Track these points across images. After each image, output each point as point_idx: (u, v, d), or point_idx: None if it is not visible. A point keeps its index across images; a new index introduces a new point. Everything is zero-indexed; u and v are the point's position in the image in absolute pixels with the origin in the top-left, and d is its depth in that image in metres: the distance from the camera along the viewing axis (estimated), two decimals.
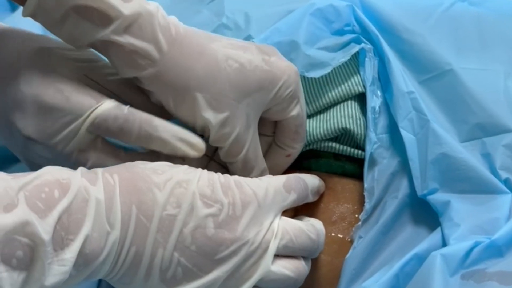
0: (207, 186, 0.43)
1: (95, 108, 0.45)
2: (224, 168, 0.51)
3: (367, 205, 0.51)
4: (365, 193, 0.51)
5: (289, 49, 0.54)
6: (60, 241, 0.36)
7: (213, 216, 0.42)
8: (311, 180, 0.50)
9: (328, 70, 0.52)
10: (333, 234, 0.52)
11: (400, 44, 0.55)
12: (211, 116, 0.47)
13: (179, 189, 0.42)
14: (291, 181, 0.47)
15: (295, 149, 0.53)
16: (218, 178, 0.44)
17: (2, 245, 0.33)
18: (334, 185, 0.54)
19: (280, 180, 0.47)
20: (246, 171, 0.50)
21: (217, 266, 0.42)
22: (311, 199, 0.50)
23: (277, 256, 0.45)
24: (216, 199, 0.42)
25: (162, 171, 0.43)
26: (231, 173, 0.48)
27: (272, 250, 0.44)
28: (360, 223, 0.51)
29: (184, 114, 0.47)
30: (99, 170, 0.42)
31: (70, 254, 0.37)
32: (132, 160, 0.45)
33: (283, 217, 0.46)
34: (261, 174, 0.51)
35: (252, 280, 0.43)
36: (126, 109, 0.46)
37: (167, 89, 0.46)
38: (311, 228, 0.47)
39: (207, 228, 0.42)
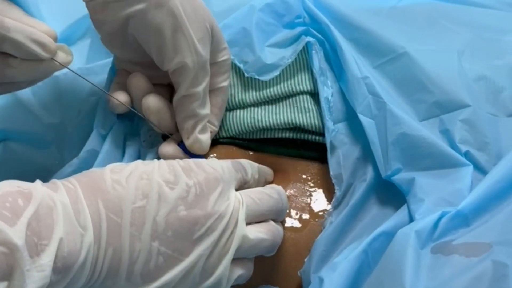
0: (169, 172, 0.43)
1: None
2: None
3: (338, 192, 0.51)
4: (334, 181, 0.52)
5: (243, 48, 0.55)
6: (34, 248, 0.36)
7: (182, 199, 0.42)
8: (248, 165, 0.50)
9: (277, 72, 0.55)
10: (288, 211, 0.52)
11: (353, 32, 0.55)
12: (191, 33, 0.48)
13: (141, 181, 0.42)
14: (235, 163, 0.48)
15: (215, 127, 0.54)
16: (177, 163, 0.44)
17: None
18: (285, 167, 0.54)
19: (227, 161, 0.47)
20: (204, 104, 0.51)
21: (197, 246, 0.42)
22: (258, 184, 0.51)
23: (249, 224, 0.45)
24: (181, 182, 0.42)
25: (119, 169, 0.43)
26: (184, 113, 0.50)
27: (242, 216, 0.44)
28: (331, 209, 0.51)
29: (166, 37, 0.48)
30: (57, 180, 0.41)
31: (47, 258, 0.36)
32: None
33: (241, 190, 0.47)
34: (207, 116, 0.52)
35: (231, 251, 0.43)
36: None
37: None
38: (270, 189, 0.48)
39: (179, 211, 0.42)
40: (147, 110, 0.51)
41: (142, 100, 0.51)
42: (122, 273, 0.41)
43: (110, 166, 0.43)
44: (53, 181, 0.41)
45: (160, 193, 0.41)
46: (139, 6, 0.47)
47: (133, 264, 0.41)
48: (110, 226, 0.40)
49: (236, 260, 0.44)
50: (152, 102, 0.51)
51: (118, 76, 0.55)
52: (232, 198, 0.44)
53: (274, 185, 0.49)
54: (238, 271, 0.45)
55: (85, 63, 0.62)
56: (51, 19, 0.63)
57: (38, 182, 0.40)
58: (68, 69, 0.49)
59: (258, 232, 0.45)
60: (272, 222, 0.47)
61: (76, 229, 0.38)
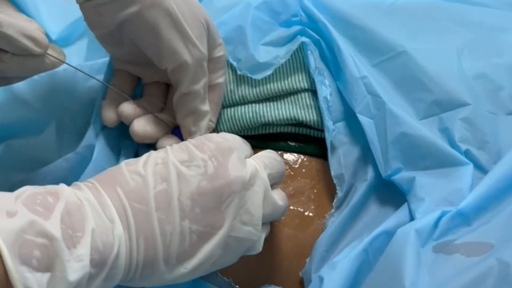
0: (182, 152, 0.43)
1: None
2: None
3: (339, 193, 0.51)
4: (335, 181, 0.51)
5: (237, 46, 0.55)
6: (70, 240, 0.36)
7: (202, 174, 0.42)
8: None
9: (270, 71, 0.54)
10: (292, 208, 0.52)
11: (351, 30, 0.55)
12: (189, 31, 0.48)
13: (157, 166, 0.42)
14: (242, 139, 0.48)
15: (213, 124, 0.54)
16: (188, 141, 0.44)
17: (18, 247, 0.33)
18: (290, 162, 0.54)
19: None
20: (204, 101, 0.51)
21: (226, 216, 0.42)
22: None
23: None
24: (197, 158, 0.42)
25: (134, 161, 0.43)
26: (183, 114, 0.50)
27: (267, 181, 0.44)
28: (333, 210, 0.51)
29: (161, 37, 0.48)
30: (78, 182, 0.42)
31: (83, 249, 0.36)
32: None
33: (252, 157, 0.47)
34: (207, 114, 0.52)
35: (260, 211, 0.43)
36: None
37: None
38: (271, 153, 0.48)
39: (202, 186, 0.42)
40: (133, 136, 0.52)
41: (130, 126, 0.52)
42: (159, 259, 0.41)
43: (124, 161, 0.44)
44: (75, 183, 0.42)
45: (178, 173, 0.42)
46: (133, 9, 0.47)
47: (168, 247, 0.41)
48: (136, 215, 0.40)
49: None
50: (137, 128, 0.52)
51: (116, 77, 0.55)
52: (248, 163, 0.44)
53: (269, 150, 0.49)
54: (263, 232, 0.46)
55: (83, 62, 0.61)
56: (50, 19, 0.63)
57: (62, 184, 0.41)
58: (66, 63, 0.49)
59: (277, 200, 0.46)
60: (279, 189, 0.48)
61: (106, 222, 0.39)
